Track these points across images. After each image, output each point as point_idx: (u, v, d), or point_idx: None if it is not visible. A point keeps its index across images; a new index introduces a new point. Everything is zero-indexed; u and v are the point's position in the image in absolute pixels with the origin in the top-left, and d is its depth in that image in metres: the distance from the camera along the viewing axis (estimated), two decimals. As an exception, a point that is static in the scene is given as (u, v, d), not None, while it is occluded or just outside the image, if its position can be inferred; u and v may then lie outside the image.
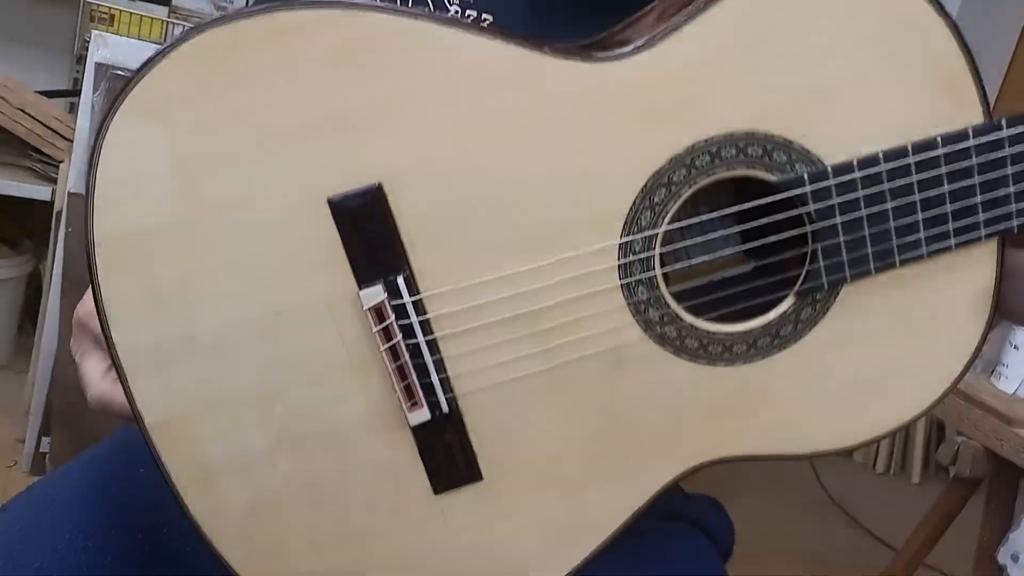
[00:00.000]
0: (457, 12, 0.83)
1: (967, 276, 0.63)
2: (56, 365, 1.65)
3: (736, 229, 0.60)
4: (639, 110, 0.56)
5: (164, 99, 0.50)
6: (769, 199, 0.58)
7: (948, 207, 0.61)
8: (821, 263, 0.61)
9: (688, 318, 0.60)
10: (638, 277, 0.59)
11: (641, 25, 0.63)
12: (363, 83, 0.52)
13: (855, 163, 0.58)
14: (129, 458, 0.76)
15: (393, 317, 0.56)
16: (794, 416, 0.63)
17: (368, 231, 0.54)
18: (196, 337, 0.54)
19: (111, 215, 0.52)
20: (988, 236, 0.62)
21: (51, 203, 1.76)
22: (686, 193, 0.57)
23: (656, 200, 0.57)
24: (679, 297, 0.60)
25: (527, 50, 0.54)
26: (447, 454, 0.59)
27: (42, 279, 1.89)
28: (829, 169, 0.58)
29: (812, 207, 0.59)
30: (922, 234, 0.61)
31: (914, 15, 0.57)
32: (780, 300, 0.62)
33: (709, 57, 0.55)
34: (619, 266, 0.58)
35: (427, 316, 0.57)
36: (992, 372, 1.65)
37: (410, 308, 0.56)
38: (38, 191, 1.78)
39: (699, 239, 0.60)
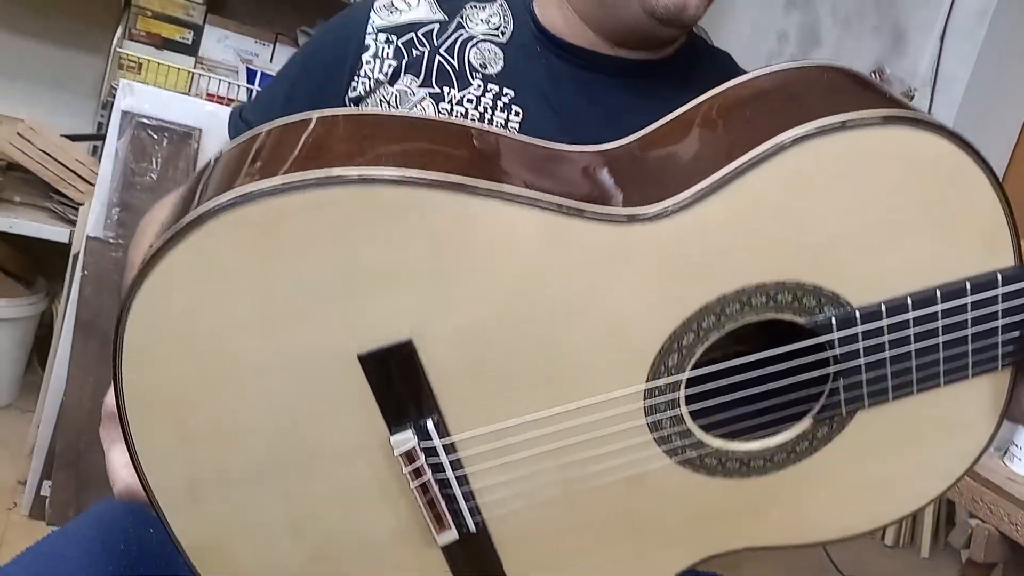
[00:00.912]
0: (480, 86, 0.84)
1: (978, 390, 0.64)
2: (63, 407, 1.65)
3: (760, 372, 0.60)
4: (672, 266, 0.56)
5: (194, 267, 0.51)
6: (796, 345, 0.59)
7: (969, 346, 0.61)
8: (842, 396, 0.61)
9: (713, 442, 0.61)
10: (664, 415, 0.59)
11: (668, 145, 0.63)
12: (395, 250, 0.52)
13: (883, 309, 0.58)
14: (137, 517, 0.76)
15: (423, 458, 0.57)
16: (803, 515, 0.65)
17: (398, 382, 0.55)
18: (229, 474, 0.55)
19: (141, 370, 0.52)
20: (1005, 366, 0.62)
21: (68, 245, 1.77)
22: (714, 337, 0.58)
23: (684, 344, 0.58)
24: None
25: (562, 216, 0.54)
26: (474, 562, 0.61)
27: (54, 319, 1.90)
28: (858, 315, 0.58)
29: (838, 350, 0.59)
30: (941, 368, 0.62)
31: (952, 167, 0.57)
32: (797, 414, 0.63)
33: (745, 218, 0.56)
34: (645, 406, 0.59)
35: (457, 455, 0.58)
36: (1005, 453, 1.63)
37: (440, 450, 0.57)
38: (56, 232, 1.79)
39: (724, 381, 0.60)
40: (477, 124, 0.71)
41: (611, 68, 0.87)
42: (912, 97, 2.51)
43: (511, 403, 0.57)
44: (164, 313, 0.51)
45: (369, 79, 0.85)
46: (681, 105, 0.89)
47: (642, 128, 0.87)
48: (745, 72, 1.02)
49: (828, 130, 0.54)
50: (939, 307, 0.59)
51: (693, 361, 0.58)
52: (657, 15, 0.82)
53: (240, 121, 0.91)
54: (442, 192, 0.52)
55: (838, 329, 0.58)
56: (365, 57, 0.86)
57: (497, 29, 0.87)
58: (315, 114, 0.57)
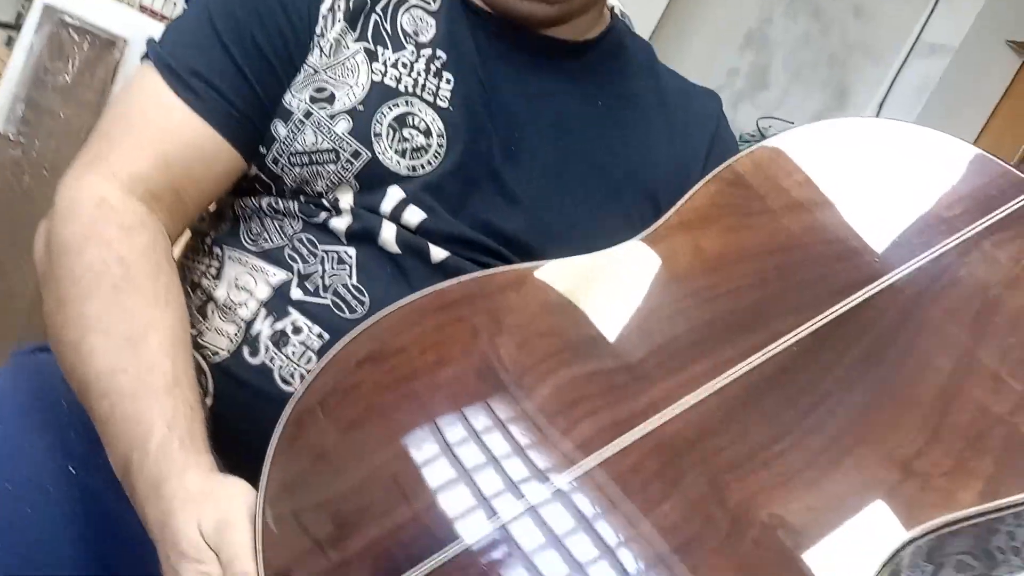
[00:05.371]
0: (413, 51, 0.81)
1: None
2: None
3: None
4: None
5: None
6: None
7: None
8: None
9: None
10: None
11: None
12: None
13: None
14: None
15: None
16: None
17: None
18: None
19: None
20: None
21: (-35, 136, 1.67)
22: None
23: None
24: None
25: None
26: None
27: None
28: None
29: None
30: None
31: None
32: None
33: None
34: None
35: None
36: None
37: None
38: (-47, 121, 1.67)
39: None
40: None
41: (535, 47, 0.86)
42: (844, 156, 2.58)
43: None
44: None
45: (326, 37, 0.81)
46: (607, 92, 0.87)
47: (566, 113, 0.85)
48: (663, 67, 0.99)
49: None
50: None
51: None
52: None
53: (192, 77, 0.77)
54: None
55: None
56: (323, 11, 0.81)
57: None
58: None
